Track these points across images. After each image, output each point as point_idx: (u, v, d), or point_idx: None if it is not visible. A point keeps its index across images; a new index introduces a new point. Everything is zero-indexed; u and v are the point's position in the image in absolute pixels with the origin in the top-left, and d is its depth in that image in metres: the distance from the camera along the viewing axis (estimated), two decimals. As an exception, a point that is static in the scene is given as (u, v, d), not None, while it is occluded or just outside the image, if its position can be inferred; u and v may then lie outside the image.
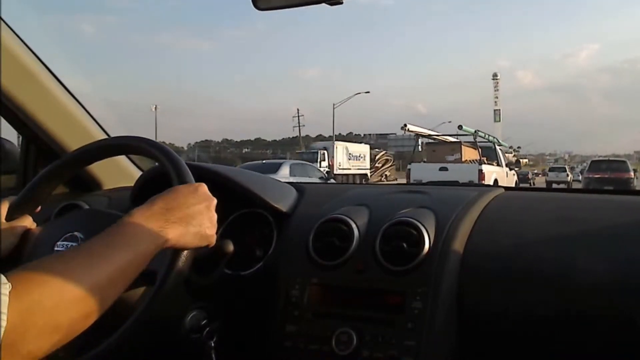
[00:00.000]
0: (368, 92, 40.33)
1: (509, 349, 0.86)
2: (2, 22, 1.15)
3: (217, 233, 0.77)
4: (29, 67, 1.24)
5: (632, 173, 16.72)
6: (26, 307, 0.49)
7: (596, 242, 0.87)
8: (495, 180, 12.56)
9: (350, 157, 28.89)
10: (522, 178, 23.94)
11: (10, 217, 0.85)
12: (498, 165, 14.11)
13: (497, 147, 15.10)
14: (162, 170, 0.82)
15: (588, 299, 0.80)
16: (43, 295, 0.52)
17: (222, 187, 0.94)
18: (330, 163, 26.44)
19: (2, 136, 1.37)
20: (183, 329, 0.85)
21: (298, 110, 50.56)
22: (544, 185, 22.87)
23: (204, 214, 0.73)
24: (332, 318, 0.90)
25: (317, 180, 11.91)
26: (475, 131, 13.99)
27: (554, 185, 23.28)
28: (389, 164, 33.34)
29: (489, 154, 14.08)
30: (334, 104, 32.50)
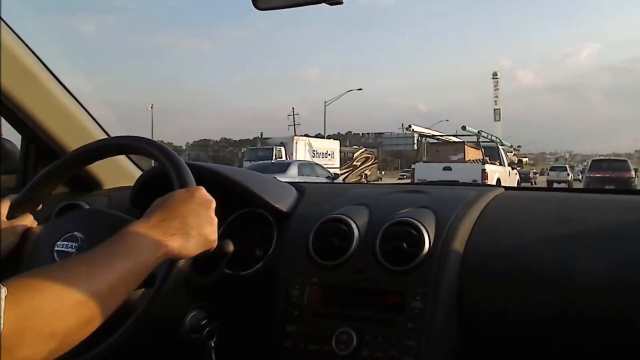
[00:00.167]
0: (360, 89, 38.95)
1: (509, 349, 0.86)
2: (2, 22, 1.15)
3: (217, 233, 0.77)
4: (29, 67, 1.24)
5: (633, 172, 16.73)
6: (24, 312, 0.49)
7: (596, 242, 0.87)
8: (498, 180, 12.62)
9: (314, 154, 25.36)
10: (524, 177, 23.94)
11: (11, 215, 0.85)
12: (501, 164, 14.18)
13: (500, 147, 15.17)
14: (162, 170, 0.82)
15: (588, 299, 0.80)
16: (42, 301, 0.51)
17: (222, 187, 0.94)
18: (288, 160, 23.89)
19: (2, 136, 1.38)
20: (183, 329, 0.85)
21: (293, 109, 49.00)
22: (545, 185, 22.87)
23: (204, 219, 0.72)
24: (332, 318, 0.90)
25: (324, 180, 11.90)
26: (478, 131, 14.08)
27: (555, 185, 23.30)
28: (370, 162, 29.24)
29: (492, 154, 14.15)
30: (325, 102, 31.97)
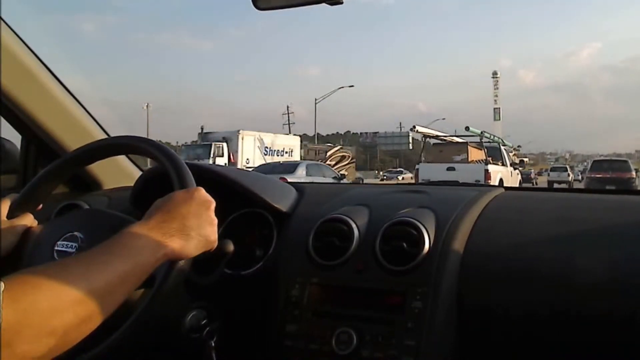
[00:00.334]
0: (352, 86, 39.13)
1: (509, 348, 0.86)
2: (2, 22, 1.15)
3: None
4: (29, 67, 1.24)
5: (633, 173, 16.73)
6: (22, 307, 0.50)
7: (596, 242, 0.87)
8: (501, 180, 12.71)
9: (267, 151, 22.51)
10: (525, 178, 23.97)
11: (11, 215, 0.85)
12: (503, 165, 14.27)
13: (502, 148, 15.23)
14: (162, 170, 0.82)
15: (588, 299, 0.80)
16: (40, 298, 0.52)
17: (222, 187, 0.94)
18: (232, 159, 20.58)
19: (2, 136, 1.38)
20: (183, 329, 0.85)
21: (288, 107, 47.63)
22: (545, 185, 22.87)
23: (204, 219, 0.73)
24: (332, 318, 0.90)
25: (332, 180, 11.91)
26: (481, 132, 14.16)
27: (556, 185, 23.30)
28: (346, 162, 26.96)
29: (494, 154, 14.23)
30: (315, 99, 31.44)
